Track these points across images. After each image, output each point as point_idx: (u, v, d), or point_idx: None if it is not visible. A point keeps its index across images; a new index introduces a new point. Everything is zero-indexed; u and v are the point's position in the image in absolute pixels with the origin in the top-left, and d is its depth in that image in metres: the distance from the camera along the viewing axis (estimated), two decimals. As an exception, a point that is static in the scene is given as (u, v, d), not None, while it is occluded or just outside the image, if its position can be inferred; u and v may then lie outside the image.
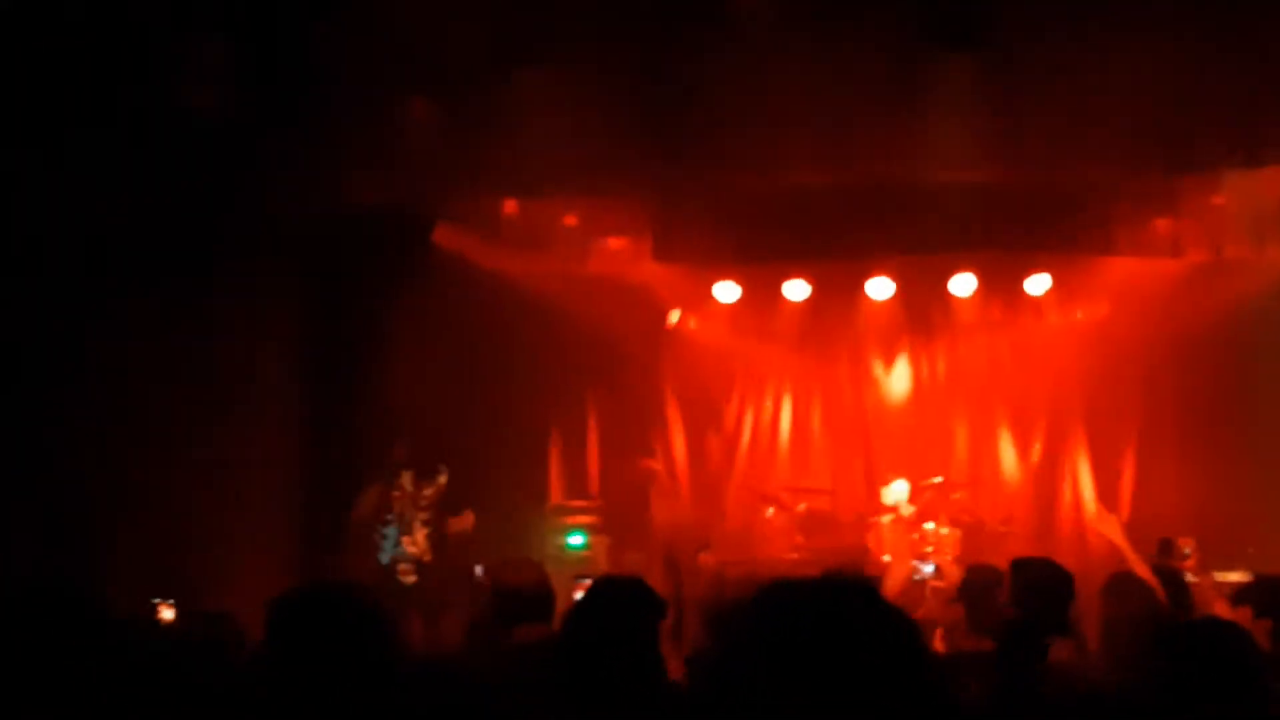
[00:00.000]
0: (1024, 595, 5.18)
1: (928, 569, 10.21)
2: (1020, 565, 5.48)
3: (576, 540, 11.19)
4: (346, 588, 3.23)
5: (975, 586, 5.75)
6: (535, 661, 3.39)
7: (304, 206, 9.18)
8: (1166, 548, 8.80)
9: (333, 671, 2.83)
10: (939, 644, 6.21)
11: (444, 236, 10.18)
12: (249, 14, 8.06)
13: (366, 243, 9.82)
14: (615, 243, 11.50)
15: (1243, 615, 5.19)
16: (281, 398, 9.75)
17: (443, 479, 9.92)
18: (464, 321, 10.88)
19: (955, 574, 8.60)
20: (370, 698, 2.83)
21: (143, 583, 7.61)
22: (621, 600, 3.14)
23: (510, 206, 10.63)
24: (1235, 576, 8.34)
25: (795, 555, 11.37)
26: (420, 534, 9.77)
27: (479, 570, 9.04)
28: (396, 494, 9.79)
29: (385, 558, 9.69)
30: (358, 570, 9.50)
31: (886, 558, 10.89)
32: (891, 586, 6.37)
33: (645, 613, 3.07)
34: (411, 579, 9.63)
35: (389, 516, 9.53)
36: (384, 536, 9.68)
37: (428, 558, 9.79)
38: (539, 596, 4.55)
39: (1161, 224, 10.58)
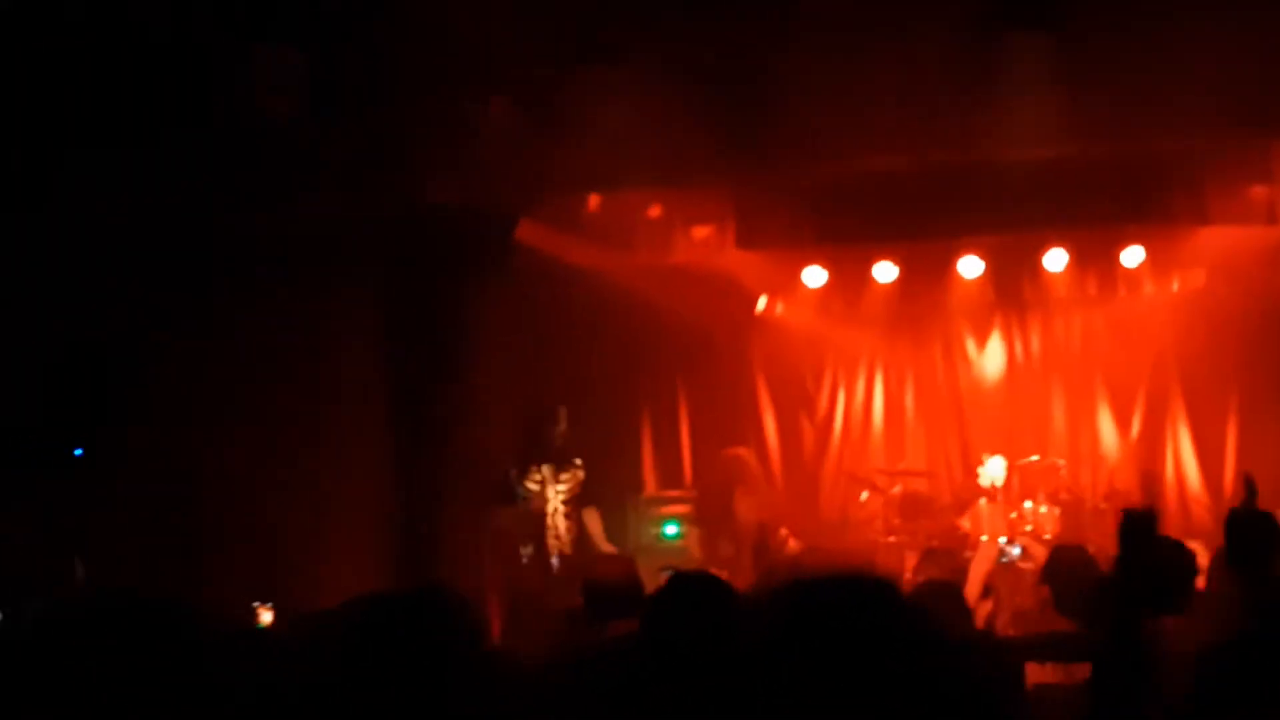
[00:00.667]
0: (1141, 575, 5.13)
1: (1015, 550, 10.09)
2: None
3: (671, 530, 11.22)
4: (431, 590, 3.27)
5: (1061, 566, 5.67)
6: (624, 657, 3.41)
7: (386, 210, 9.27)
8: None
9: (411, 674, 2.87)
10: (1009, 627, 6.16)
11: (527, 234, 10.22)
12: (322, 19, 8.16)
13: (450, 244, 9.86)
14: (699, 232, 11.48)
15: None
16: (371, 401, 9.84)
17: (580, 471, 9.91)
18: (551, 317, 10.95)
19: (1042, 555, 8.51)
20: (455, 701, 2.86)
21: (243, 590, 7.73)
22: (692, 594, 3.15)
23: (592, 201, 10.66)
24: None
25: (893, 539, 11.30)
26: (563, 526, 9.78)
27: (554, 562, 9.11)
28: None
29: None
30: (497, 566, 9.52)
31: (985, 538, 10.81)
32: (977, 569, 6.31)
33: (715, 606, 3.08)
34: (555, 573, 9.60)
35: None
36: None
37: (569, 550, 9.79)
38: (629, 591, 4.57)
39: (1255, 190, 10.36)
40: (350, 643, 3.19)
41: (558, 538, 9.72)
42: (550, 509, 9.76)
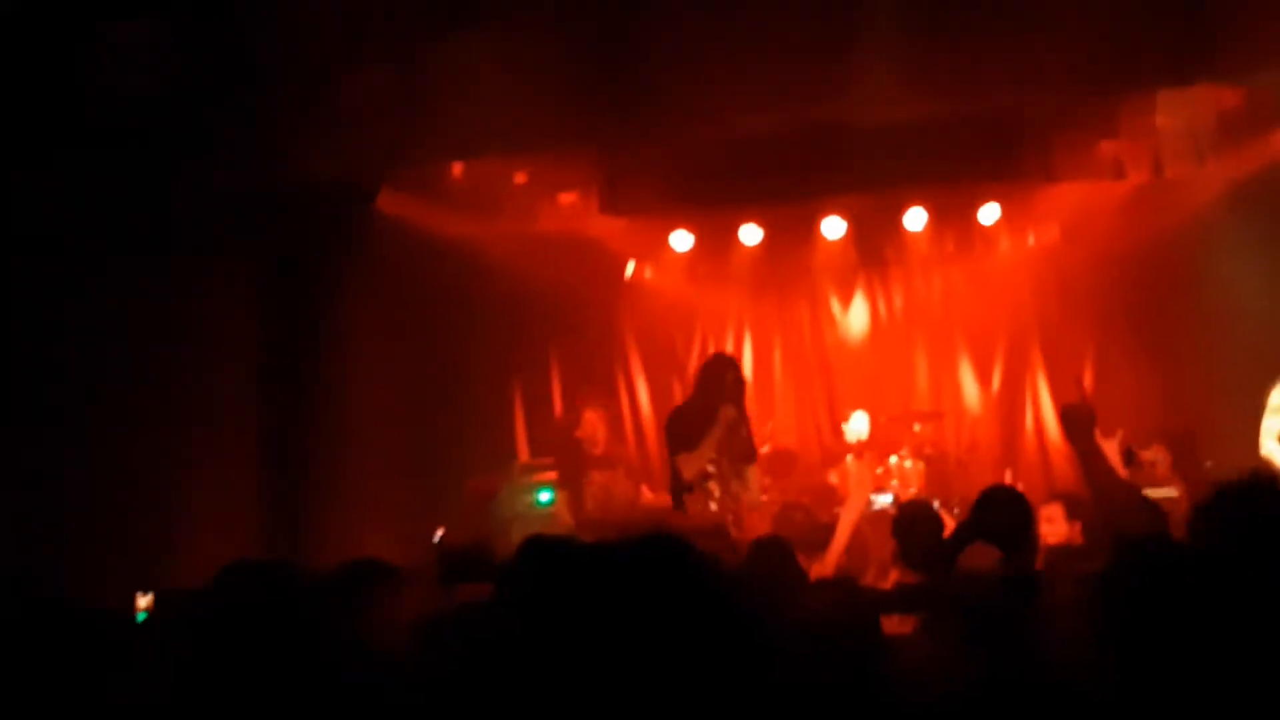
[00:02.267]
0: (988, 523, 5.37)
1: (886, 499, 10.30)
2: (985, 495, 5.67)
3: (544, 498, 11.24)
4: (280, 564, 3.30)
5: (906, 521, 5.84)
6: (476, 622, 3.44)
7: (248, 180, 9.14)
8: (1130, 458, 8.93)
9: (260, 644, 2.90)
10: (879, 578, 6.30)
11: (390, 203, 10.15)
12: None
13: (311, 215, 9.79)
14: (565, 199, 11.48)
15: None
16: (239, 378, 9.73)
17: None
18: (418, 287, 10.88)
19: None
20: (303, 670, 2.90)
21: (121, 578, 7.60)
22: (543, 558, 3.20)
23: (456, 169, 10.61)
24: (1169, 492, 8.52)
25: (764, 497, 11.44)
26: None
27: (439, 533, 9.09)
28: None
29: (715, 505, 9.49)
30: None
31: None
32: (844, 521, 6.43)
33: (564, 569, 3.13)
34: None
35: (711, 470, 9.11)
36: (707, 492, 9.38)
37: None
38: (478, 556, 4.61)
39: (1103, 147, 10.64)
40: (206, 616, 3.21)
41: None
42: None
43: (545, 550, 3.29)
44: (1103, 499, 5.60)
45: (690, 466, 8.23)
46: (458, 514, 9.78)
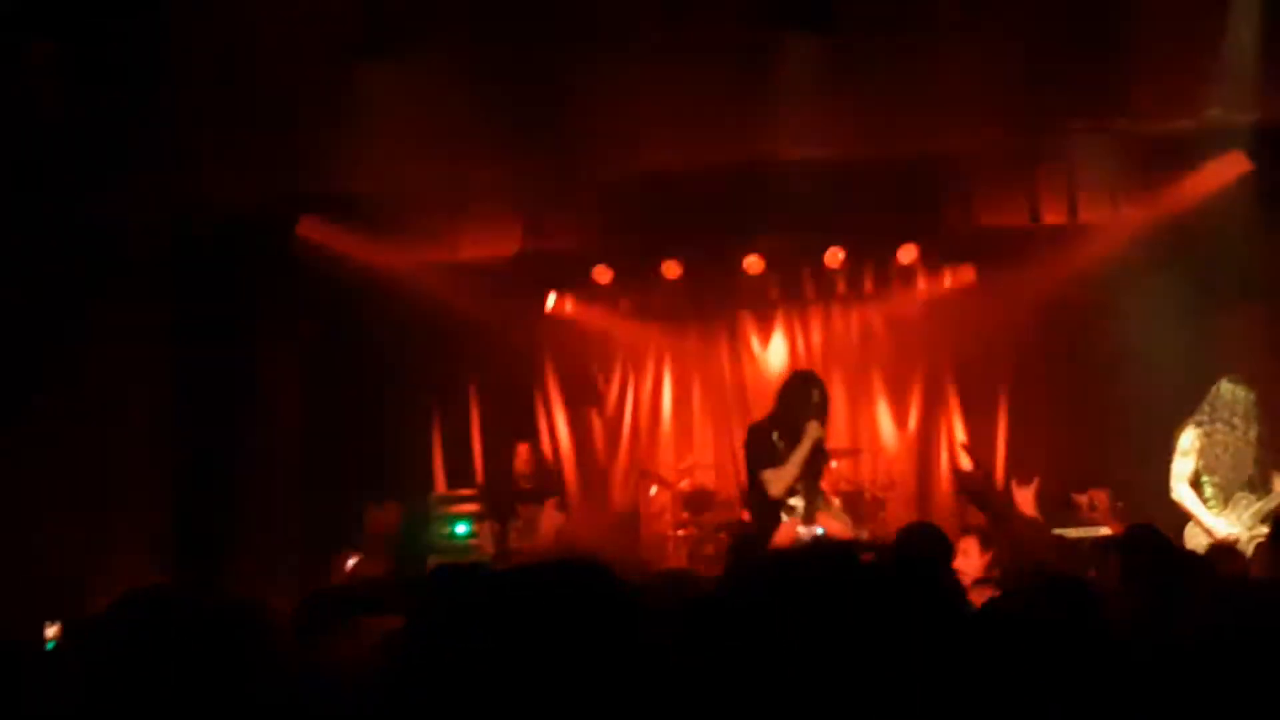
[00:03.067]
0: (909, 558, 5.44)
1: (819, 530, 10.31)
2: (907, 530, 5.73)
3: (462, 529, 11.19)
4: (179, 591, 3.23)
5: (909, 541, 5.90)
6: (387, 652, 3.41)
7: (164, 208, 9.06)
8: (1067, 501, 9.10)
9: (170, 672, 2.85)
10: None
11: (310, 230, 10.09)
12: (90, 14, 7.92)
13: (229, 241, 9.71)
14: (487, 229, 11.46)
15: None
16: (154, 404, 9.61)
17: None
18: (337, 316, 10.82)
19: (840, 534, 8.78)
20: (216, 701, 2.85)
21: (29, 609, 7.46)
22: (454, 586, 3.17)
23: (377, 197, 10.55)
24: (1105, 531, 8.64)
25: (681, 532, 11.48)
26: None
27: (351, 562, 9.00)
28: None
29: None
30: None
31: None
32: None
33: (477, 597, 3.10)
34: None
35: (798, 486, 8.97)
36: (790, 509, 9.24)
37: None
38: (388, 587, 4.57)
39: (1018, 189, 10.81)
40: (102, 645, 3.14)
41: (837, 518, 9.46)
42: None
43: (454, 577, 3.27)
44: (1015, 546, 5.71)
45: (778, 483, 8.09)
46: (367, 544, 9.67)
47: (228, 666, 3.30)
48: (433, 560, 9.66)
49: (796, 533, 9.46)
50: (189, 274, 9.83)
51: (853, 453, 11.89)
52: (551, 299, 12.35)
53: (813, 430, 8.03)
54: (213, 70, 8.49)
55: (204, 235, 9.61)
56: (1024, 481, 8.06)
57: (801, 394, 8.21)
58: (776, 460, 7.98)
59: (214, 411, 10.04)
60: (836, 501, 8.41)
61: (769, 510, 8.01)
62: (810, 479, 8.19)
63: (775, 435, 8.06)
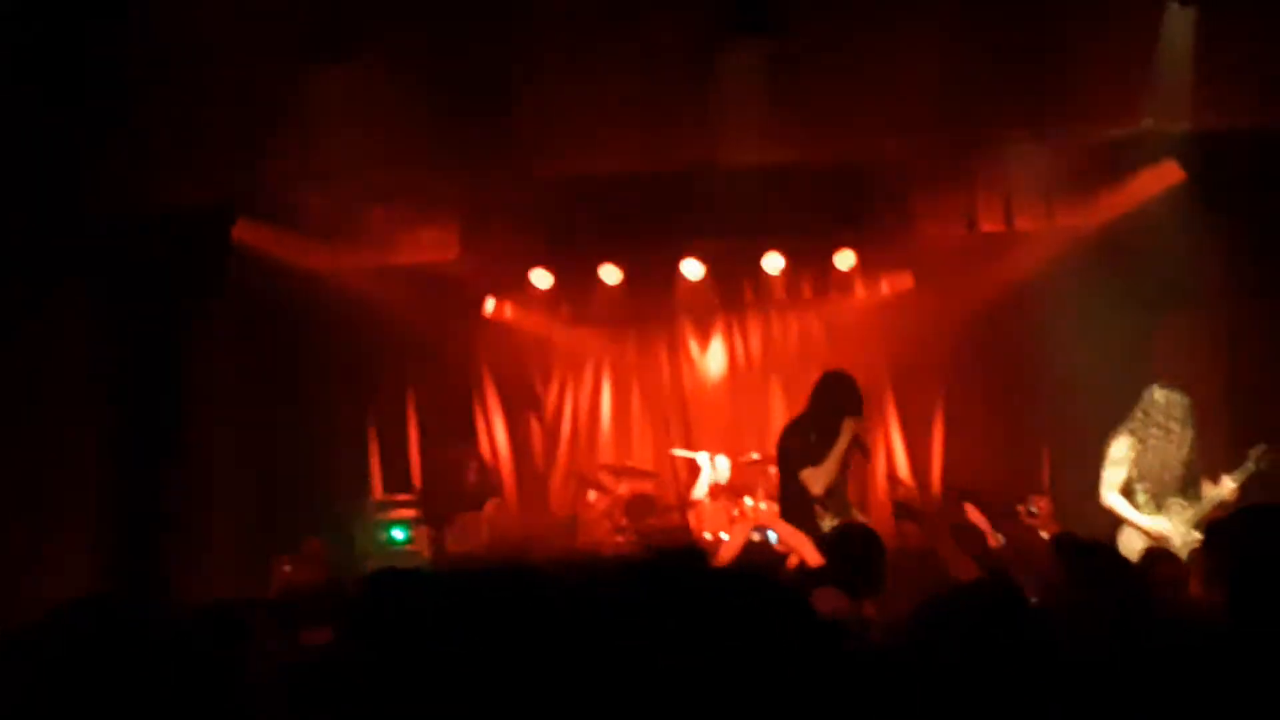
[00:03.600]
0: (841, 558, 5.48)
1: (772, 536, 10.29)
2: (840, 532, 5.76)
3: (399, 535, 11.13)
4: (106, 599, 3.18)
5: (752, 560, 5.93)
6: (321, 663, 3.37)
7: (97, 208, 8.94)
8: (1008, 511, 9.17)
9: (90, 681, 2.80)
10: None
11: (247, 234, 9.99)
12: (28, 14, 7.81)
13: (166, 244, 9.59)
14: (425, 233, 11.40)
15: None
16: (90, 410, 9.47)
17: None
18: (274, 319, 10.73)
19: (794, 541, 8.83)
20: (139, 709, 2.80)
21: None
22: (390, 592, 3.14)
23: (315, 201, 10.46)
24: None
25: (620, 538, 11.46)
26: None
27: (287, 569, 8.95)
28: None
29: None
30: None
31: (708, 535, 11.07)
32: (725, 555, 6.48)
33: (416, 603, 3.08)
34: None
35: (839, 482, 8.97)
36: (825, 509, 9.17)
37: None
38: (320, 597, 4.52)
39: (956, 197, 10.89)
40: (31, 656, 3.09)
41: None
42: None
43: (390, 582, 3.22)
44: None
45: (818, 481, 8.13)
46: (304, 551, 9.61)
47: (169, 677, 3.25)
48: (369, 567, 9.59)
49: (750, 538, 9.49)
50: (126, 275, 9.70)
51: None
52: (490, 304, 12.31)
53: (849, 427, 8.12)
54: (146, 72, 8.39)
55: (141, 237, 9.48)
56: (967, 498, 8.14)
57: (837, 392, 8.29)
58: (815, 459, 8.02)
59: (149, 416, 9.91)
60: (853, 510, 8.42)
61: (806, 509, 8.03)
62: (843, 478, 8.27)
63: (812, 434, 8.10)
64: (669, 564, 1.95)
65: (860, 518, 8.19)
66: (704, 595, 1.91)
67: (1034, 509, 9.43)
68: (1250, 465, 8.19)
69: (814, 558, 5.86)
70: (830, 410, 8.17)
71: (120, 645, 3.18)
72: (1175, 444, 8.39)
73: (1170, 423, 8.39)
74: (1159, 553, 6.33)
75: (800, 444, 8.18)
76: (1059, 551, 5.71)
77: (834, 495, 8.14)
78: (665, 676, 1.84)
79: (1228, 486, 8.20)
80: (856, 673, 2.05)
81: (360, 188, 10.22)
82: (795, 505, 8.14)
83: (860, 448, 8.35)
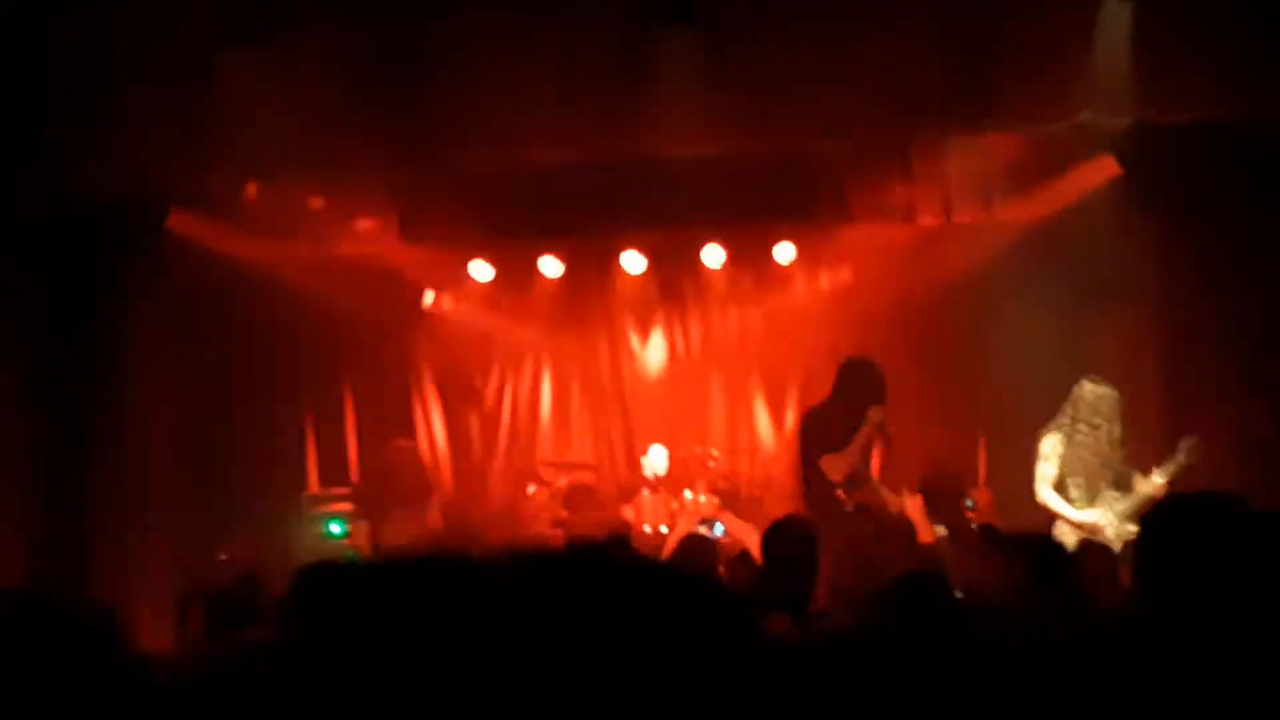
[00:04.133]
0: (777, 551, 5.50)
1: (718, 529, 10.29)
2: (776, 528, 5.78)
3: (336, 529, 11.04)
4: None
5: (686, 555, 5.95)
6: (252, 663, 3.31)
7: (28, 198, 8.81)
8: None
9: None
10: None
11: (180, 224, 9.87)
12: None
13: (97, 235, 9.46)
14: (363, 225, 11.33)
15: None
16: (18, 403, 9.34)
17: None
18: (209, 311, 10.61)
19: (741, 533, 8.90)
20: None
21: None
22: (325, 582, 3.07)
23: (250, 190, 10.35)
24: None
25: (559, 531, 11.41)
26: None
27: (223, 558, 8.85)
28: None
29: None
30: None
31: (647, 528, 11.07)
32: (669, 548, 6.50)
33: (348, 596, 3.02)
34: None
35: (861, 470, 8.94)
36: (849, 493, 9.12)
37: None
38: (247, 598, 4.45)
39: (896, 190, 10.93)
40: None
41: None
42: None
43: (321, 575, 3.16)
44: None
45: (838, 468, 8.23)
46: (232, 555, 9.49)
47: (80, 675, 3.18)
48: (306, 559, 9.49)
49: (695, 529, 9.50)
50: (56, 267, 9.57)
51: (729, 452, 11.94)
52: (429, 296, 12.23)
53: (874, 414, 8.17)
54: (77, 59, 8.27)
55: (71, 228, 9.35)
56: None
57: (861, 379, 8.30)
58: (836, 445, 8.03)
59: (80, 410, 9.79)
60: (885, 491, 8.44)
61: (826, 496, 8.02)
62: (866, 464, 8.39)
63: (834, 421, 8.10)
64: (590, 554, 1.91)
65: (891, 500, 8.23)
66: (622, 585, 1.88)
67: (970, 502, 9.47)
68: (1180, 457, 8.29)
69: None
70: (853, 397, 8.21)
71: (30, 640, 3.10)
72: (1105, 437, 8.47)
73: (1096, 418, 8.48)
74: (1090, 545, 6.40)
75: (822, 430, 8.20)
76: (983, 545, 5.77)
77: (855, 481, 8.15)
78: (589, 665, 1.81)
79: (1155, 482, 8.30)
80: (768, 664, 2.03)
81: (295, 179, 10.12)
82: (816, 491, 8.16)
83: (883, 435, 8.36)
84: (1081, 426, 8.49)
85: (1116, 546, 7.84)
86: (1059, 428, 8.54)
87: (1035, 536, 5.23)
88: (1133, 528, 7.61)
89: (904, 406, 11.67)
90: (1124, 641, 2.96)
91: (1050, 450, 8.58)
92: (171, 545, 9.91)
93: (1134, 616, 3.27)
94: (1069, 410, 8.58)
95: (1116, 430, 8.48)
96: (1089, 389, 8.56)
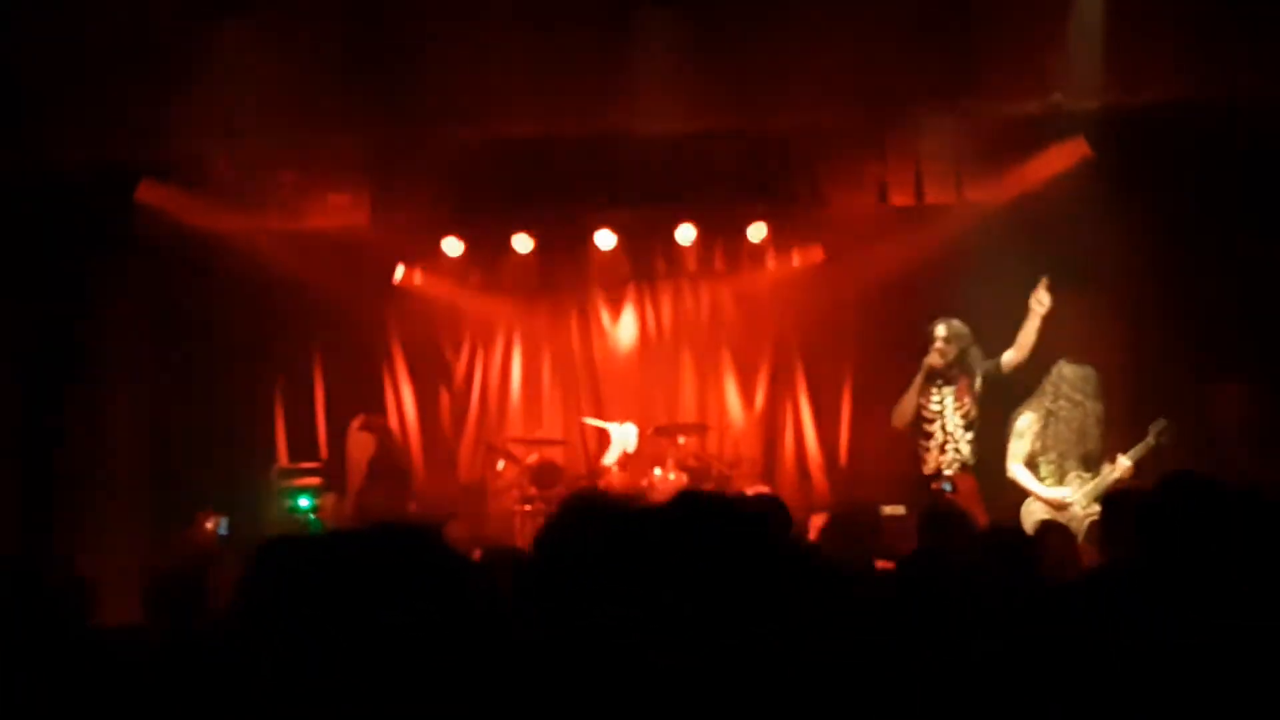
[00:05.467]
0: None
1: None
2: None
3: (304, 503, 11.01)
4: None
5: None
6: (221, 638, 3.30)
7: (1, 167, 8.76)
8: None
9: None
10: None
11: (150, 194, 9.80)
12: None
13: (66, 205, 9.40)
14: (335, 198, 11.27)
15: None
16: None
17: (978, 382, 9.59)
18: (178, 283, 10.56)
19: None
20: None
21: None
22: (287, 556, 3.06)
23: (221, 162, 10.28)
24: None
25: (528, 507, 11.42)
26: (965, 440, 9.51)
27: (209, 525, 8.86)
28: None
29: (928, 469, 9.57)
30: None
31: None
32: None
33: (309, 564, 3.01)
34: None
35: (928, 426, 9.57)
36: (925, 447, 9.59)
37: (971, 463, 9.53)
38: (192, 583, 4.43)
39: (868, 170, 10.94)
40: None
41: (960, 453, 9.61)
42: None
43: (279, 550, 3.15)
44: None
45: (899, 415, 9.57)
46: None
47: (47, 639, 3.18)
48: (273, 533, 9.49)
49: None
50: (25, 236, 9.51)
51: (698, 429, 11.94)
52: (400, 271, 12.18)
53: (930, 361, 9.36)
54: (49, 29, 8.21)
55: (41, 199, 9.29)
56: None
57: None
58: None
59: (48, 381, 9.74)
60: None
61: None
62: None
63: None
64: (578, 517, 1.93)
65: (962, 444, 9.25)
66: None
67: (949, 485, 9.50)
68: (1150, 440, 8.36)
69: None
70: None
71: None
72: (1085, 414, 8.54)
73: (1078, 395, 8.54)
74: (1050, 524, 6.44)
75: None
76: (924, 526, 5.82)
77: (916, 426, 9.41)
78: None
79: (1123, 464, 8.37)
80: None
81: (267, 150, 10.06)
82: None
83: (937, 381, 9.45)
84: (1063, 404, 8.56)
85: (1083, 524, 7.91)
86: (1036, 405, 8.60)
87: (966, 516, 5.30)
88: (1098, 508, 7.67)
89: (875, 385, 11.75)
90: (1072, 616, 2.97)
91: (1025, 427, 8.65)
92: (141, 519, 9.88)
93: (1083, 591, 3.29)
94: (1048, 389, 8.65)
95: (1095, 409, 8.56)
96: (1068, 368, 8.65)
